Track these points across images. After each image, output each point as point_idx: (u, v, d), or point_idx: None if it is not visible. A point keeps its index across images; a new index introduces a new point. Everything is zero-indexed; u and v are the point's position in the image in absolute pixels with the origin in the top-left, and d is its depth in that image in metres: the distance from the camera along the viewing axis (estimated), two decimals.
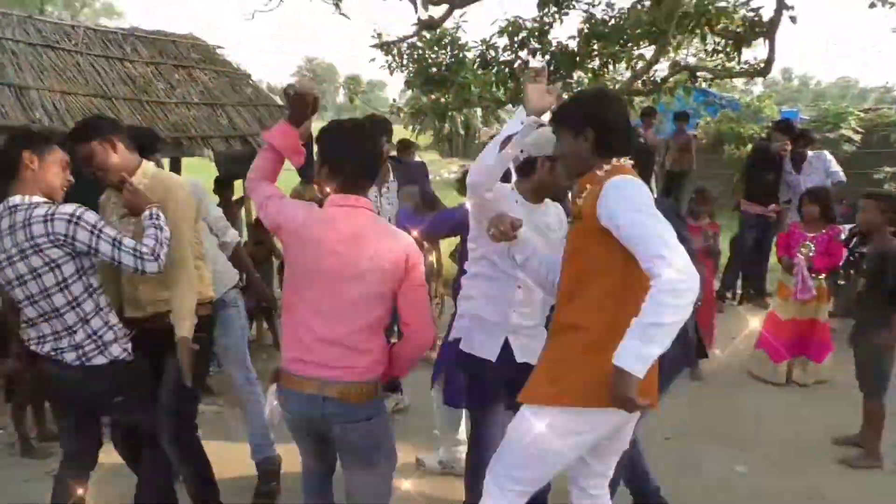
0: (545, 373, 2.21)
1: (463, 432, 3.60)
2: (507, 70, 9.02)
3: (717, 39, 8.45)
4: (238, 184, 5.77)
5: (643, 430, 2.89)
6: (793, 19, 7.52)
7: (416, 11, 7.26)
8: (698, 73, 9.01)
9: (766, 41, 7.95)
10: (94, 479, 2.80)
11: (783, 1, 7.42)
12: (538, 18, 8.77)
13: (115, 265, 2.49)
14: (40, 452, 3.92)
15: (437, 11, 8.17)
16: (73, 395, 2.61)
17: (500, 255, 2.60)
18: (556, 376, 2.15)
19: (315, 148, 2.40)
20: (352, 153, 2.32)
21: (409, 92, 10.58)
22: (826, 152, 7.23)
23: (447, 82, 9.26)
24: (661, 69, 9.18)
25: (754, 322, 5.58)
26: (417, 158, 7.51)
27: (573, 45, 8.77)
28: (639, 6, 8.54)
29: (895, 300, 3.81)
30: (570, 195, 2.38)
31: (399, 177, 4.80)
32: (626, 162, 2.21)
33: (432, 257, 5.24)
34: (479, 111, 14.80)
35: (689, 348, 2.98)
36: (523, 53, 8.98)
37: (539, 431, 2.16)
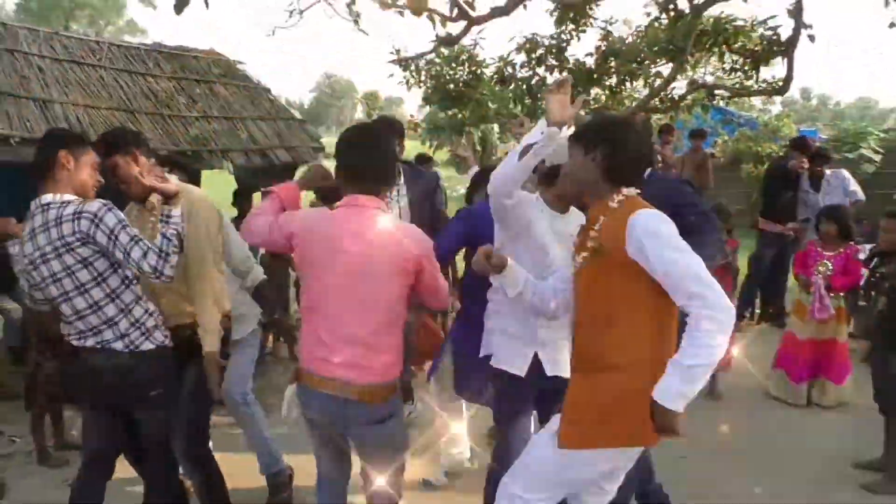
0: (587, 414, 2.17)
1: (465, 434, 3.67)
2: (524, 87, 9.07)
3: (735, 58, 8.43)
4: (257, 196, 5.80)
5: (658, 449, 2.86)
6: (811, 38, 7.49)
7: (435, 28, 7.33)
8: (716, 92, 8.98)
9: (785, 60, 7.92)
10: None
11: (801, 20, 7.40)
12: (555, 35, 8.84)
13: (128, 261, 2.46)
14: (57, 461, 3.95)
15: (455, 28, 8.23)
16: (117, 384, 2.57)
17: (531, 266, 2.55)
18: (603, 419, 2.14)
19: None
20: (363, 158, 2.39)
21: (427, 108, 10.66)
22: (844, 171, 7.18)
23: (465, 98, 9.33)
24: (679, 87, 9.21)
25: (772, 341, 5.52)
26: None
27: (590, 62, 8.81)
28: (656, 24, 8.57)
29: None
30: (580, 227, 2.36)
31: (409, 181, 4.77)
32: (632, 191, 2.18)
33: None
34: (496, 127, 14.90)
35: None
36: (541, 70, 9.04)
37: (566, 463, 2.18)
